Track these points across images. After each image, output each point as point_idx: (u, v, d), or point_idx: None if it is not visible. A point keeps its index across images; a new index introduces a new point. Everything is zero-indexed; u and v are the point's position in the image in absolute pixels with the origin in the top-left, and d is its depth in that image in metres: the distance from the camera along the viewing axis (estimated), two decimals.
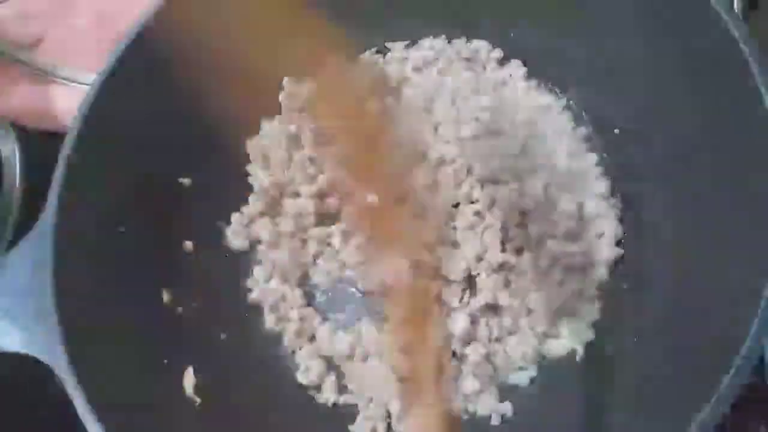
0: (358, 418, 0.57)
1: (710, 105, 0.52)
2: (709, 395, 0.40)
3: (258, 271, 0.65)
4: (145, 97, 0.62)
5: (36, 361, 0.50)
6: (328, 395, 0.59)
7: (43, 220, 0.53)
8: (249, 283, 0.65)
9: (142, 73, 0.61)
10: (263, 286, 0.64)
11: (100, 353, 0.51)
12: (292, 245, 0.65)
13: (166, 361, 0.56)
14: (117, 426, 0.47)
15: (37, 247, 0.53)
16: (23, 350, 0.50)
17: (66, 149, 0.56)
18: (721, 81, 0.51)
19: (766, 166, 0.47)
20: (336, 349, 0.60)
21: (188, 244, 0.63)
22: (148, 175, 0.62)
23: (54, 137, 0.78)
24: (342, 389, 0.60)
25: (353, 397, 0.59)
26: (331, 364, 0.61)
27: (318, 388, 0.60)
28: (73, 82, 0.80)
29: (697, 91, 0.53)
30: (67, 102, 0.78)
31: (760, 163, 0.47)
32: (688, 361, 0.47)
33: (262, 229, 0.65)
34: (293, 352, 0.62)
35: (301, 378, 0.60)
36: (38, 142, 0.78)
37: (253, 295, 0.64)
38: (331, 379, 0.60)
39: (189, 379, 0.56)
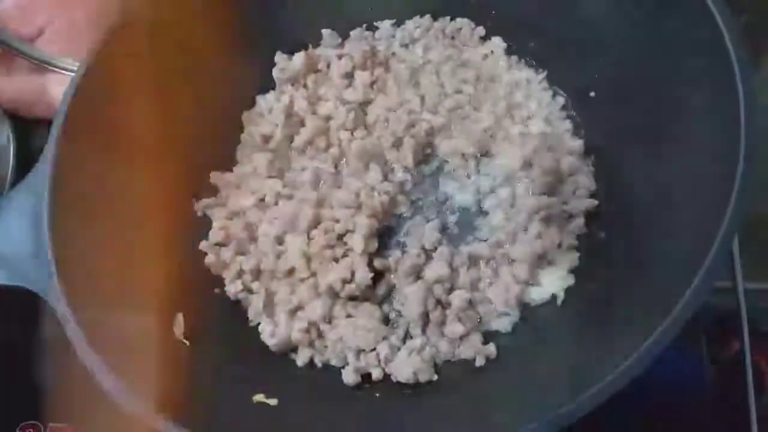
0: (347, 369, 0.58)
1: (680, 65, 0.56)
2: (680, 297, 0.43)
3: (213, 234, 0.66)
4: (143, 62, 0.65)
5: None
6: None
7: (42, 163, 0.56)
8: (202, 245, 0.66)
9: (141, 39, 0.64)
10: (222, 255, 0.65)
11: (92, 293, 0.53)
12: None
13: (155, 306, 0.57)
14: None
15: (34, 191, 0.55)
16: (21, 284, 0.52)
17: (66, 98, 0.58)
18: (687, 37, 0.55)
19: (727, 113, 0.50)
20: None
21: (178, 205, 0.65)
22: (145, 135, 0.64)
23: (47, 126, 0.81)
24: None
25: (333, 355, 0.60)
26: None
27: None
28: (72, 72, 0.82)
29: (667, 53, 0.57)
30: (61, 91, 0.81)
31: (718, 108, 0.51)
32: (663, 286, 0.49)
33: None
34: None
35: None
36: (32, 131, 0.81)
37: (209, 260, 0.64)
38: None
39: (179, 324, 0.57)
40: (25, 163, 0.77)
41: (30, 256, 0.52)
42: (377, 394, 0.57)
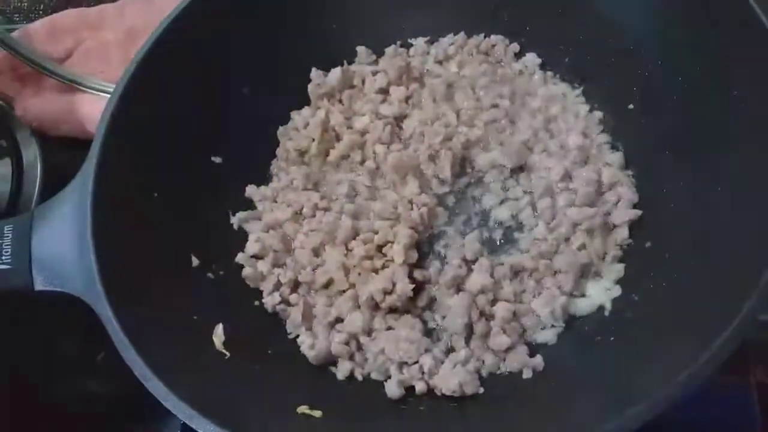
0: (390, 382, 0.57)
1: (722, 74, 0.56)
2: (729, 324, 0.42)
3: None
4: (181, 81, 0.65)
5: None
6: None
7: (85, 169, 0.55)
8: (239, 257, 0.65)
9: (182, 56, 0.65)
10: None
11: (134, 299, 0.52)
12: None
13: (195, 317, 0.56)
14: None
15: (77, 197, 0.55)
16: (61, 289, 0.51)
17: (109, 109, 0.58)
18: (729, 44, 0.55)
19: None
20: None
21: (216, 217, 0.65)
22: (182, 149, 0.64)
23: (74, 146, 0.82)
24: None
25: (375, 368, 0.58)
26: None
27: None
28: (100, 92, 0.83)
29: (709, 62, 0.57)
30: (92, 110, 0.81)
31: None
32: (713, 299, 0.48)
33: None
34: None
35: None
36: (60, 150, 0.81)
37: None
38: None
39: (219, 335, 0.56)
40: (53, 181, 0.77)
41: (72, 261, 0.52)
42: (422, 408, 0.55)
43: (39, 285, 0.52)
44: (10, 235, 0.53)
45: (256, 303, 0.62)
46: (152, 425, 0.69)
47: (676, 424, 0.60)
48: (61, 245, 0.53)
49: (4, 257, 0.52)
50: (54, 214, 0.54)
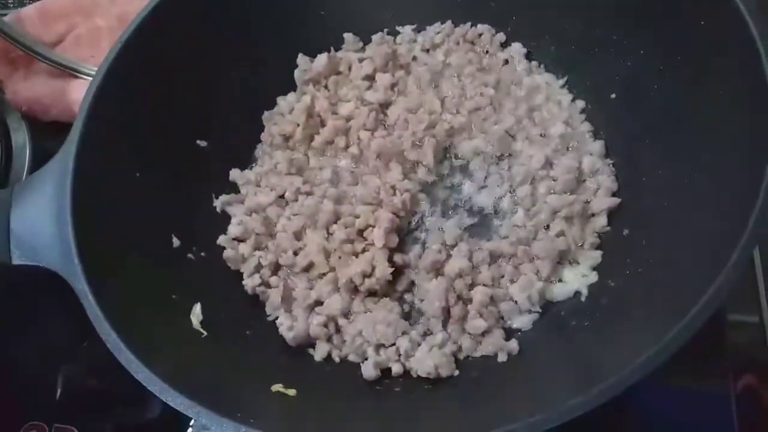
0: (366, 363, 0.57)
1: (701, 65, 0.56)
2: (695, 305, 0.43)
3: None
4: (167, 64, 0.65)
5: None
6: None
7: (66, 148, 0.56)
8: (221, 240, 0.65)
9: (168, 39, 0.65)
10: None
11: (111, 274, 0.52)
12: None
13: (174, 296, 0.57)
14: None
15: (57, 174, 0.55)
16: (38, 263, 0.52)
17: (92, 88, 0.59)
18: (709, 34, 0.55)
19: (753, 107, 0.50)
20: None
21: (199, 199, 0.65)
22: (167, 131, 0.65)
23: (63, 130, 0.81)
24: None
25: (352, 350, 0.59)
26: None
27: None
28: (91, 77, 0.83)
29: (690, 53, 0.57)
30: (82, 94, 0.81)
31: (745, 104, 0.51)
32: (684, 285, 0.49)
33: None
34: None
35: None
36: (49, 134, 0.81)
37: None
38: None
39: (197, 314, 0.56)
40: (42, 164, 0.76)
41: (51, 236, 0.52)
42: (397, 389, 0.56)
43: (16, 259, 0.52)
44: None
45: (236, 285, 0.62)
46: (133, 408, 0.69)
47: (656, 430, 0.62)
48: (40, 220, 0.53)
49: None
50: (34, 189, 0.55)
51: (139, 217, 0.59)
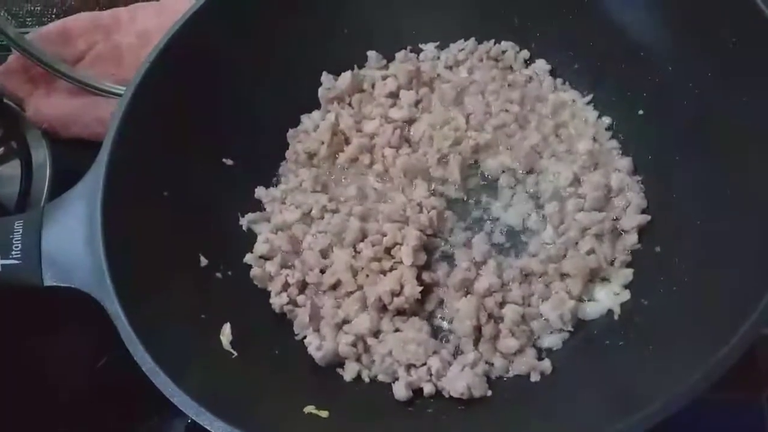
0: (398, 383, 0.56)
1: (731, 79, 0.56)
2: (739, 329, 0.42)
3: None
4: (193, 83, 0.65)
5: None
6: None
7: (96, 168, 0.56)
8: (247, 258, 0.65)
9: (193, 58, 0.65)
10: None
11: (146, 301, 0.52)
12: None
13: (203, 316, 0.56)
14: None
15: (88, 194, 0.55)
16: (70, 284, 0.51)
17: (121, 108, 0.59)
18: (739, 48, 0.55)
19: None
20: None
21: (226, 218, 0.65)
22: (193, 150, 0.65)
23: (83, 148, 0.82)
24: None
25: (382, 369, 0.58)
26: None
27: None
28: (112, 95, 0.84)
29: (716, 66, 0.57)
30: (104, 112, 0.82)
31: None
32: (723, 305, 0.48)
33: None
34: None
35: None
36: (69, 151, 0.82)
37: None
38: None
39: (226, 335, 0.56)
40: (62, 182, 0.77)
41: (82, 257, 0.52)
42: (429, 410, 0.55)
43: (48, 280, 0.52)
44: (20, 230, 0.53)
45: (264, 303, 0.62)
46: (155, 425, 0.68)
47: None
48: (71, 241, 0.53)
49: (13, 253, 0.53)
50: (64, 210, 0.55)
51: (168, 237, 0.58)
